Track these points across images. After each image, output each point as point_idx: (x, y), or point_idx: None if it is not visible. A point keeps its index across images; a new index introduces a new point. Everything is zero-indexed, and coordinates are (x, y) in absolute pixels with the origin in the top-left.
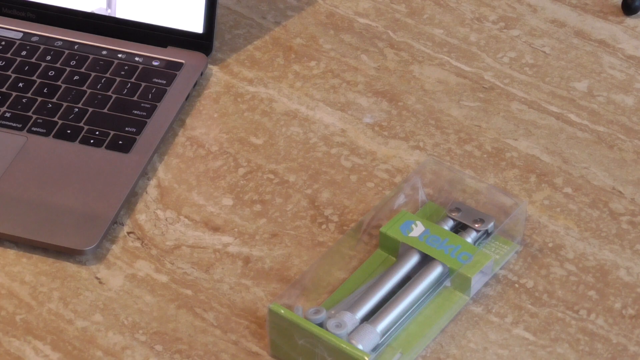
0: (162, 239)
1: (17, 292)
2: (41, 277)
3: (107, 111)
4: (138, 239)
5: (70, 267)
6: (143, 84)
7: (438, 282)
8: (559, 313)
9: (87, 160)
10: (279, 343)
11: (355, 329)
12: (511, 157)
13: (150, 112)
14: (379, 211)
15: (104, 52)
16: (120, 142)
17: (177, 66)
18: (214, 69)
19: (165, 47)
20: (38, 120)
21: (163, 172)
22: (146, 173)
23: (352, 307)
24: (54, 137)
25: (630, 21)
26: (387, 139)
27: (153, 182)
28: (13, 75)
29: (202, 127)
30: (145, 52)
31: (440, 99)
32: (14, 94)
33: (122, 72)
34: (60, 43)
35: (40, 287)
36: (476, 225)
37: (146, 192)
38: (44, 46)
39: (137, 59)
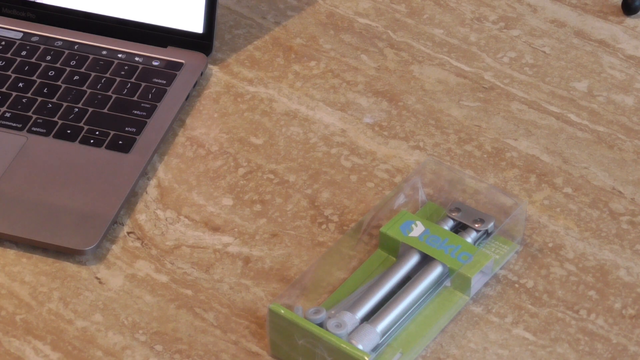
0: (162, 239)
1: (17, 292)
2: (41, 277)
3: (107, 111)
4: (138, 239)
5: (70, 267)
6: (143, 84)
7: (438, 282)
8: (559, 313)
9: (87, 160)
10: (279, 343)
11: (355, 329)
12: (511, 157)
13: (150, 112)
14: (379, 211)
15: (104, 52)
16: (120, 142)
17: (177, 66)
18: (214, 69)
19: (165, 47)
20: (38, 120)
21: (163, 172)
22: (146, 173)
23: (352, 307)
24: (54, 137)
25: (630, 21)
26: (387, 139)
27: (153, 182)
28: (13, 75)
29: (202, 127)
30: (145, 52)
31: (440, 99)
32: (14, 94)
33: (122, 72)
34: (60, 43)
35: (40, 287)
36: (476, 225)
37: (146, 192)
38: (44, 46)
39: (137, 59)
